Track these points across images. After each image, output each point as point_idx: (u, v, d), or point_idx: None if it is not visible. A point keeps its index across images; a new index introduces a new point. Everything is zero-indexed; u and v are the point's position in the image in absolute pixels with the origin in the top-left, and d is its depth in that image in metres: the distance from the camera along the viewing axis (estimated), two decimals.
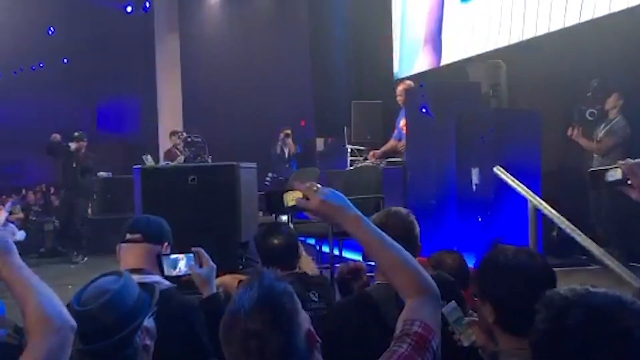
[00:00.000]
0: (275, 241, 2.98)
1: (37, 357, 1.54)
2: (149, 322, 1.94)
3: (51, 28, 14.45)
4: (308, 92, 11.10)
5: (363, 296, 2.44)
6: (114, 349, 1.76)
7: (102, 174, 9.83)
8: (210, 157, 8.33)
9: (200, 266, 2.49)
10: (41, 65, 15.87)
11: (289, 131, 9.31)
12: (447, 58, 7.99)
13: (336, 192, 1.74)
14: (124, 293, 1.88)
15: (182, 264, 2.46)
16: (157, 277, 2.48)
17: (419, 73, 8.36)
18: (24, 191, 13.33)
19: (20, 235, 8.95)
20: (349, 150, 7.51)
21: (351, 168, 6.96)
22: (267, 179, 8.96)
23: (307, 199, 1.73)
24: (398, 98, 6.53)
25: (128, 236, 2.55)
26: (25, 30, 13.66)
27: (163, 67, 11.43)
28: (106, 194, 9.61)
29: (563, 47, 5.99)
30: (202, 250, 2.54)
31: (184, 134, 8.86)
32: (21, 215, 10.23)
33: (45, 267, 8.30)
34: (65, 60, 15.48)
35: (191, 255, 2.48)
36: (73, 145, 8.88)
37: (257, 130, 10.69)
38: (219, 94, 11.72)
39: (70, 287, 6.92)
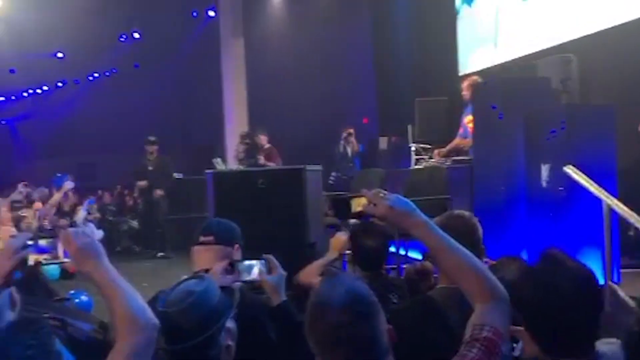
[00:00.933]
0: (370, 242, 3.00)
1: (124, 354, 1.64)
2: (230, 323, 2.03)
3: (123, 35, 15.09)
4: (371, 91, 11.06)
5: (426, 299, 2.44)
6: (198, 350, 1.84)
7: (174, 175, 10.21)
8: (262, 157, 8.42)
9: (270, 273, 2.57)
10: (114, 70, 16.59)
11: (351, 130, 9.33)
12: (513, 53, 7.78)
13: (403, 198, 1.76)
14: (207, 295, 1.96)
15: (255, 269, 2.53)
16: (229, 278, 2.57)
17: (484, 69, 8.17)
18: (99, 192, 13.91)
19: (99, 234, 9.38)
20: (413, 149, 7.43)
21: (415, 167, 6.90)
22: (331, 178, 9.01)
23: (374, 205, 1.77)
24: (464, 94, 6.41)
25: (201, 238, 2.64)
26: (98, 38, 14.29)
27: (228, 70, 11.67)
28: (178, 194, 9.96)
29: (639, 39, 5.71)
30: (273, 258, 2.61)
31: (244, 135, 9.02)
32: (98, 215, 10.71)
33: (121, 266, 8.69)
34: (137, 66, 16.13)
35: (263, 261, 2.56)
36: (148, 149, 9.29)
37: (321, 129, 10.77)
38: (282, 94, 11.87)
39: (145, 285, 7.25)
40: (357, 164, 9.16)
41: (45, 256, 1.96)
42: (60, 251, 1.95)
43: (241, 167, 7.88)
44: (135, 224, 10.32)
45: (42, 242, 1.96)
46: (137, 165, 9.76)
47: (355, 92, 11.24)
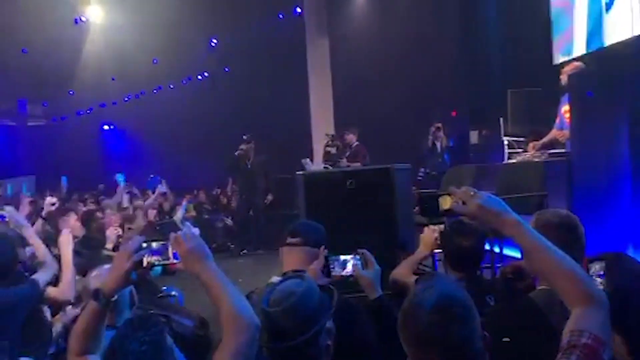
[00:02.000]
0: (464, 242, 2.93)
1: (230, 352, 1.76)
2: (329, 323, 2.08)
3: (213, 40, 15.67)
4: (459, 83, 10.79)
5: (526, 302, 2.36)
6: (299, 349, 1.89)
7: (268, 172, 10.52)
8: (345, 158, 8.41)
9: (365, 268, 2.59)
10: (206, 74, 17.25)
11: (439, 125, 9.15)
12: (614, 37, 7.27)
13: (493, 196, 1.72)
14: (308, 296, 2.00)
15: (349, 265, 2.57)
16: (327, 280, 2.62)
17: (582, 55, 7.71)
18: (195, 191, 14.49)
19: (196, 232, 9.80)
20: (505, 142, 7.18)
21: (508, 162, 6.66)
22: (420, 174, 8.88)
23: (464, 203, 1.74)
24: (561, 78, 6.08)
25: (289, 240, 2.73)
26: (190, 43, 14.89)
27: (314, 69, 11.79)
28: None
29: None
30: (368, 253, 2.64)
31: (333, 135, 9.06)
32: (194, 213, 11.16)
33: (216, 261, 9.04)
34: (227, 69, 16.68)
35: (358, 257, 2.59)
36: (244, 146, 9.60)
37: (408, 124, 10.63)
38: (368, 91, 11.85)
39: (240, 280, 7.49)
40: (447, 160, 8.97)
41: (157, 257, 2.09)
42: (171, 253, 2.07)
43: (329, 168, 7.94)
44: (229, 221, 10.70)
45: (155, 245, 2.10)
46: (229, 162, 10.07)
47: (443, 85, 11.00)
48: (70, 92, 17.31)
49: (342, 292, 2.61)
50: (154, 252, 2.10)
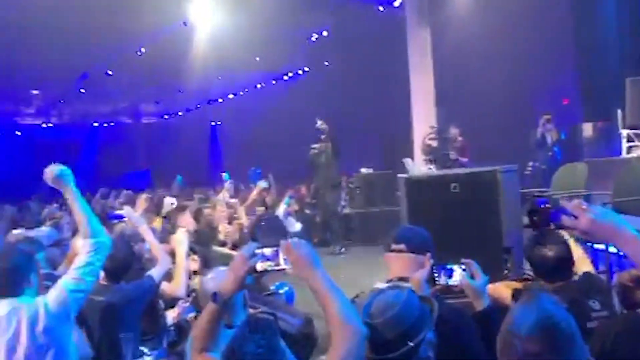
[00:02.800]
0: (549, 252, 2.85)
1: (338, 357, 1.81)
2: (430, 335, 2.07)
3: (313, 34, 15.83)
4: (571, 71, 10.18)
5: None
6: None
7: (364, 170, 10.51)
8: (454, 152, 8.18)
9: (472, 278, 2.54)
10: (306, 69, 17.51)
11: (549, 116, 8.72)
12: None
13: (608, 210, 1.66)
14: (407, 308, 2.03)
15: (456, 274, 2.54)
16: (428, 289, 2.59)
17: None
18: (297, 186, 14.75)
19: (298, 227, 9.99)
20: (623, 135, 6.72)
21: (627, 157, 6.23)
22: (528, 168, 8.51)
23: (575, 217, 1.66)
24: None
25: (393, 246, 2.71)
26: (290, 39, 15.14)
27: (415, 62, 11.57)
28: (367, 188, 10.22)
29: None
30: (474, 263, 2.58)
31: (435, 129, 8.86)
32: (296, 207, 11.33)
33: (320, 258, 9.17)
34: (327, 63, 16.82)
35: (463, 266, 2.55)
36: (317, 145, 9.71)
37: (515, 116, 10.21)
38: (471, 82, 11.49)
39: (342, 277, 7.56)
40: (558, 153, 8.52)
41: (269, 263, 2.18)
42: (282, 259, 2.15)
43: (431, 167, 7.78)
44: None
45: (267, 251, 2.19)
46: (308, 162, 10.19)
47: (553, 73, 10.43)
48: (180, 91, 18.22)
49: (448, 298, 2.59)
50: (266, 258, 2.20)
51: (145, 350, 3.84)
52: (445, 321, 2.17)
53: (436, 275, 2.55)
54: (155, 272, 3.88)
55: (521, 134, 9.19)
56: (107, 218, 5.12)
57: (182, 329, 4.56)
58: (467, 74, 11.73)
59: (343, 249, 9.76)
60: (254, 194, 9.28)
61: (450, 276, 2.55)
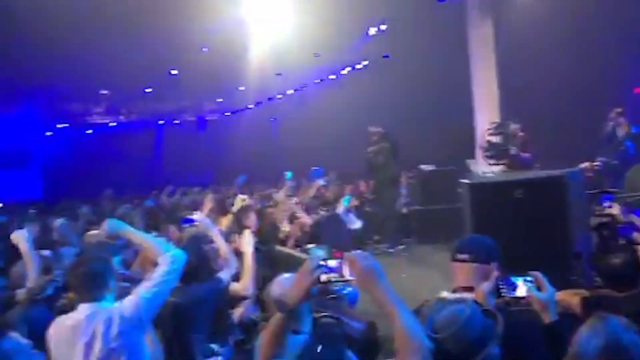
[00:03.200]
0: (616, 260, 2.81)
1: None
2: (495, 349, 2.08)
3: (371, 28, 15.71)
4: None
5: None
6: None
7: (423, 166, 10.40)
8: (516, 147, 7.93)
9: (539, 290, 2.50)
10: (365, 64, 17.39)
11: (620, 109, 8.34)
12: None
13: None
14: (472, 322, 2.04)
15: (521, 286, 2.51)
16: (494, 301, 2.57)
17: None
18: (357, 181, 14.71)
19: (358, 224, 10.02)
20: None
21: None
22: (598, 163, 8.17)
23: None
24: None
25: (457, 256, 2.71)
26: (348, 32, 15.07)
27: (477, 54, 11.30)
28: (428, 185, 10.12)
29: None
30: (541, 275, 2.55)
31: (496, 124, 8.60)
32: (356, 202, 11.31)
33: (379, 255, 9.18)
34: (386, 56, 16.64)
35: (530, 278, 2.52)
36: (373, 148, 9.69)
37: (582, 109, 9.83)
38: (536, 75, 11.11)
39: (403, 275, 7.55)
40: (630, 148, 8.10)
41: (334, 275, 2.24)
42: (346, 270, 2.20)
43: (493, 166, 7.59)
44: None
45: (331, 263, 2.25)
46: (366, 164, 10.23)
47: (623, 65, 9.97)
48: (240, 88, 18.52)
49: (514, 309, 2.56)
50: (331, 270, 2.25)
51: (215, 347, 3.99)
52: (511, 336, 2.16)
53: (502, 287, 2.53)
54: (224, 275, 4.03)
55: (589, 128, 8.83)
56: (180, 221, 5.33)
57: (246, 327, 4.71)
58: (531, 67, 11.36)
59: (402, 246, 9.71)
60: (311, 192, 9.39)
61: (514, 289, 2.53)
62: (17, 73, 13.63)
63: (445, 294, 2.67)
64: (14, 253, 6.36)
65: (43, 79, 14.42)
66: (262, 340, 2.26)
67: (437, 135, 12.48)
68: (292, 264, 5.77)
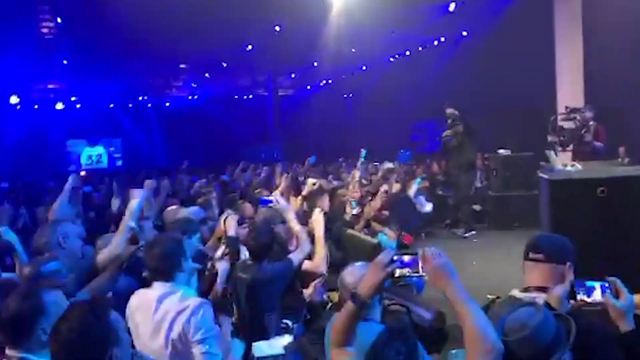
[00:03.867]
0: None
1: None
2: (567, 355, 2.04)
3: (449, 5, 15.25)
4: None
5: None
6: None
7: (501, 151, 10.10)
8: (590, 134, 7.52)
9: (616, 297, 2.42)
10: (442, 39, 16.95)
11: None
12: None
13: None
14: (542, 329, 2.01)
15: (597, 292, 2.43)
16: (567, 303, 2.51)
17: None
18: (428, 161, 14.50)
19: (429, 207, 9.90)
20: None
21: None
22: None
23: None
24: None
25: (530, 255, 2.64)
26: (424, 9, 14.71)
27: (562, 34, 10.73)
28: (506, 171, 9.83)
29: None
30: (619, 281, 2.46)
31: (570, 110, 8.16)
32: (426, 184, 11.13)
33: (449, 242, 9.05)
34: (464, 33, 16.16)
35: (607, 284, 2.43)
36: (449, 132, 9.46)
37: None
38: (625, 59, 10.44)
39: (474, 263, 7.42)
40: None
41: (408, 270, 2.25)
42: (420, 266, 2.20)
43: (561, 141, 7.26)
44: None
45: (406, 258, 2.26)
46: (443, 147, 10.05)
47: None
48: (314, 64, 18.54)
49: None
50: (404, 264, 2.26)
51: (289, 323, 4.11)
52: (584, 344, 2.10)
53: (576, 291, 2.45)
54: (295, 257, 4.12)
55: None
56: (259, 202, 5.46)
57: (314, 308, 4.81)
58: (620, 47, 10.68)
59: (474, 232, 9.54)
60: (378, 175, 9.34)
61: (588, 294, 2.44)
62: (106, 49, 14.27)
63: (516, 293, 2.63)
64: (99, 223, 6.75)
65: (127, 53, 14.98)
66: (334, 327, 2.32)
67: (515, 118, 12.04)
68: (360, 247, 5.83)
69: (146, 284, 3.22)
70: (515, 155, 9.86)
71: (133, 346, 2.37)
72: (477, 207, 10.23)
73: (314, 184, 6.13)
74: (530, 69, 12.15)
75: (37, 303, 2.29)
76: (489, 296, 2.68)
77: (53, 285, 2.61)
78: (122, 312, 2.96)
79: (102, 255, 3.71)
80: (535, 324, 2.01)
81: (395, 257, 2.21)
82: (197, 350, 2.81)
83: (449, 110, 9.65)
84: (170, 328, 2.85)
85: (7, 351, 2.24)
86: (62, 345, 1.82)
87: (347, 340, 2.23)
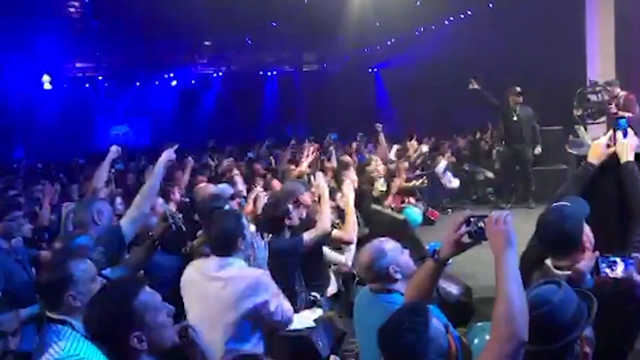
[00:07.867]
0: None
1: (491, 356, 1.80)
2: (588, 332, 2.04)
3: None
4: None
5: None
6: (554, 354, 1.96)
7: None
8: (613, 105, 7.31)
9: None
10: (469, 12, 16.63)
11: None
12: None
13: None
14: (563, 306, 2.01)
15: (618, 267, 2.41)
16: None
17: None
18: (454, 136, 14.36)
19: (456, 183, 9.85)
20: None
21: None
22: None
23: None
24: None
25: None
26: None
27: (593, 4, 10.40)
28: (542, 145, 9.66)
29: None
30: None
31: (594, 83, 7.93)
32: (453, 159, 11.03)
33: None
34: (491, 5, 15.82)
35: (631, 261, 2.42)
36: (514, 99, 9.29)
37: None
38: None
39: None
40: None
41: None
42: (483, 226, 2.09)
43: (587, 115, 7.10)
44: (490, 174, 10.40)
45: (472, 220, 2.13)
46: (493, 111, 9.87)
47: None
48: (339, 38, 18.37)
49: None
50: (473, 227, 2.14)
51: (317, 296, 4.15)
52: (605, 319, 2.09)
53: (601, 265, 2.43)
54: (307, 235, 4.04)
55: None
56: (282, 175, 5.44)
57: (344, 281, 4.86)
58: None
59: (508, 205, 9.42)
60: (411, 153, 9.31)
61: (612, 268, 2.42)
62: (131, 27, 14.36)
63: (549, 263, 2.64)
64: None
65: (151, 31, 15.03)
66: (412, 283, 2.35)
67: (544, 91, 11.79)
68: (385, 223, 5.84)
69: (189, 260, 3.35)
70: (544, 130, 9.70)
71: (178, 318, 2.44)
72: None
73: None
74: (559, 40, 11.88)
75: (65, 273, 2.54)
76: None
77: (81, 257, 2.78)
78: (169, 288, 3.10)
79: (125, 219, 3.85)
80: (556, 301, 2.01)
81: (471, 219, 2.12)
82: (261, 310, 2.95)
83: (473, 86, 9.39)
84: (230, 296, 2.94)
85: (48, 313, 2.54)
86: (89, 330, 2.02)
87: (425, 298, 2.21)
